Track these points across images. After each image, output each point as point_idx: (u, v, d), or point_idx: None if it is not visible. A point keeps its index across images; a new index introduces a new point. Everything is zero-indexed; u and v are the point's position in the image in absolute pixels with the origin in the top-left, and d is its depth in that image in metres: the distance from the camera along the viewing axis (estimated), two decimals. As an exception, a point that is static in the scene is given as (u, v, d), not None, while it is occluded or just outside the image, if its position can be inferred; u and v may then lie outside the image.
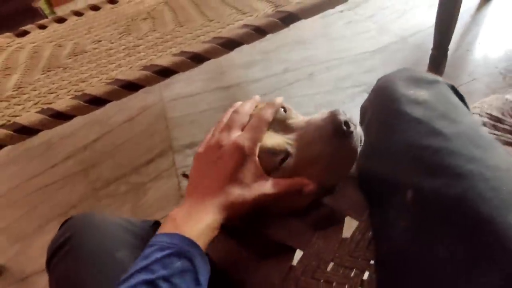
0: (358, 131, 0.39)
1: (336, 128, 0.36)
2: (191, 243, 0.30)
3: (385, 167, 0.37)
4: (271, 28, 0.80)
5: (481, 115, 0.42)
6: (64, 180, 1.27)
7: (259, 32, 0.79)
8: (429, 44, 1.17)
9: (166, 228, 0.32)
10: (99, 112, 0.79)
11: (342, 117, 0.37)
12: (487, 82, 1.07)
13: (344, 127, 0.36)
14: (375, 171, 0.38)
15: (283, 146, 0.38)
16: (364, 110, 0.44)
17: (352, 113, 0.38)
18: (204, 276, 0.30)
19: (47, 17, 2.50)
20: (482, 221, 0.26)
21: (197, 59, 0.78)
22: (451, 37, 1.05)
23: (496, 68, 1.11)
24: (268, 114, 0.39)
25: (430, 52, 1.16)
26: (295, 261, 0.37)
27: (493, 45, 1.22)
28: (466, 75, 1.12)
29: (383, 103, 0.40)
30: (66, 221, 0.41)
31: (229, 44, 0.78)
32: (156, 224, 0.44)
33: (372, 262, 0.36)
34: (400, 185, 0.34)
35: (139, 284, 0.27)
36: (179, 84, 1.50)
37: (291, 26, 0.81)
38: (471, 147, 0.31)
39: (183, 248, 0.29)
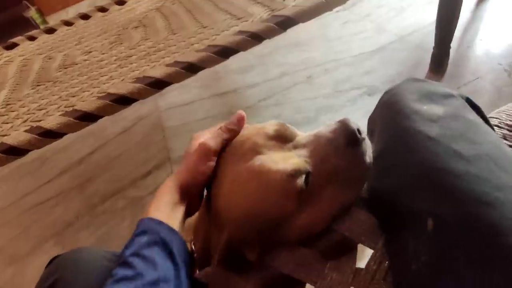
0: (368, 142, 0.37)
1: (349, 138, 0.35)
2: (151, 219, 0.34)
3: (400, 190, 0.33)
4: (268, 33, 0.77)
5: (500, 127, 0.39)
6: (59, 197, 1.23)
7: (256, 38, 0.76)
8: (429, 42, 1.14)
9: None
10: (93, 124, 0.76)
11: (353, 125, 0.35)
12: (492, 79, 1.04)
13: (358, 135, 0.35)
14: (389, 194, 0.35)
15: (302, 165, 0.35)
16: (372, 125, 0.40)
17: (354, 117, 0.36)
18: (172, 239, 0.34)
19: (39, 26, 2.47)
20: None
21: (192, 69, 0.74)
22: (453, 34, 1.02)
23: (500, 65, 1.08)
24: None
25: (430, 50, 1.13)
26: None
27: (495, 40, 1.19)
28: (469, 74, 1.09)
29: (394, 120, 0.36)
30: (53, 259, 0.38)
31: (225, 52, 0.75)
32: None
33: (391, 295, 0.32)
34: (418, 212, 0.31)
35: (116, 270, 0.30)
36: (174, 92, 1.47)
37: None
38: (496, 170, 0.28)
39: (148, 226, 0.33)
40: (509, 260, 0.24)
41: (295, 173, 0.34)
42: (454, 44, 1.10)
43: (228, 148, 0.39)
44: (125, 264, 0.30)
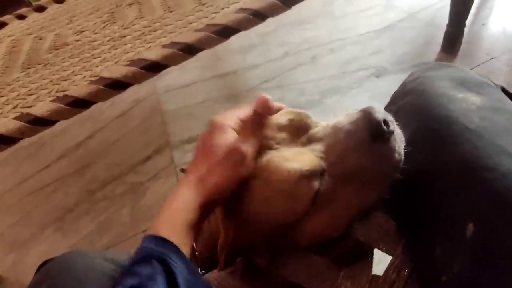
0: (398, 133, 0.31)
1: (374, 131, 0.30)
2: (162, 241, 0.28)
3: (430, 188, 0.30)
4: (271, 11, 0.71)
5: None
6: (58, 182, 1.21)
7: (258, 16, 0.70)
8: (440, 20, 1.08)
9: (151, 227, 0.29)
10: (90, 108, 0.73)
11: (379, 115, 0.30)
12: (508, 60, 0.98)
13: (385, 127, 0.29)
14: (415, 194, 0.31)
15: (317, 163, 0.31)
16: (395, 115, 0.36)
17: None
18: (181, 271, 0.27)
19: (30, 3, 2.36)
20: None
21: (190, 50, 0.69)
22: (469, 10, 0.95)
23: (516, 44, 1.02)
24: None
25: (442, 28, 1.07)
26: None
27: (511, 17, 1.11)
28: (484, 53, 1.03)
29: (425, 110, 0.32)
30: (43, 264, 0.35)
31: (225, 32, 0.70)
32: None
33: (411, 308, 0.29)
34: (453, 214, 0.27)
35: None
36: (173, 73, 1.41)
37: (291, 6, 0.72)
38: None
39: (152, 249, 0.27)
40: None
41: (309, 174, 0.30)
42: (468, 21, 1.03)
43: None
44: None
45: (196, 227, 0.30)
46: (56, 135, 1.37)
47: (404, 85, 0.37)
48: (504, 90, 0.33)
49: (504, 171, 0.25)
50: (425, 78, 0.35)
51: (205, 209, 0.30)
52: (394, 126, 0.31)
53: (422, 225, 0.30)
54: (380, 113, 0.30)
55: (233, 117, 0.33)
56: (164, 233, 0.28)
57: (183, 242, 0.28)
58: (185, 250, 0.28)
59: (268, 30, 1.44)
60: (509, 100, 0.32)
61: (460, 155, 0.28)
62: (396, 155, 0.31)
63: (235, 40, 1.45)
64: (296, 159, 0.30)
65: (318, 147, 0.32)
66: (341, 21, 1.40)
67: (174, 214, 0.29)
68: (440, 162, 0.29)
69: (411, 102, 0.34)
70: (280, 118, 0.34)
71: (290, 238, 0.32)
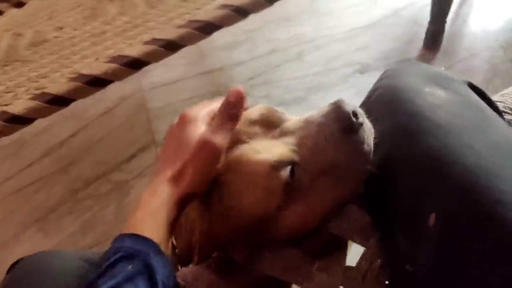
0: (367, 125, 0.32)
1: (343, 123, 0.30)
2: (141, 239, 0.27)
3: (399, 182, 0.30)
4: (253, 7, 0.71)
5: (505, 111, 0.36)
6: (41, 181, 1.18)
7: (240, 12, 0.70)
8: (424, 17, 1.10)
9: (124, 227, 0.28)
10: (73, 105, 0.71)
11: (348, 108, 0.30)
12: (487, 57, 1.01)
13: (354, 119, 0.30)
14: (385, 186, 0.32)
15: (288, 154, 0.31)
16: (367, 113, 0.37)
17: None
18: (162, 270, 0.26)
19: None
20: None
21: (171, 47, 0.69)
22: (450, 9, 0.97)
23: (496, 41, 1.04)
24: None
25: (424, 26, 1.09)
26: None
27: (491, 15, 1.14)
28: (464, 50, 1.05)
29: (393, 104, 0.33)
30: (15, 263, 0.34)
31: (207, 28, 0.69)
32: None
33: (383, 297, 0.30)
34: (419, 207, 0.28)
35: None
36: (158, 70, 1.39)
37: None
38: (509, 165, 0.25)
39: (130, 248, 0.26)
40: None
41: (278, 164, 0.30)
42: (449, 19, 1.05)
43: None
44: None
45: (174, 224, 0.30)
46: (38, 133, 1.34)
47: (377, 81, 0.38)
48: (471, 85, 0.34)
49: (468, 166, 0.26)
50: (394, 74, 0.35)
51: (182, 204, 0.30)
52: (364, 119, 0.31)
53: (391, 218, 0.31)
54: (350, 106, 0.30)
55: (204, 110, 0.32)
56: (145, 231, 0.27)
57: (163, 240, 0.28)
58: (165, 248, 0.28)
59: (254, 27, 1.44)
60: (474, 95, 0.33)
61: (427, 151, 0.28)
62: (366, 146, 0.31)
63: (221, 37, 1.46)
64: (267, 151, 0.31)
65: (290, 140, 0.32)
66: (327, 18, 1.40)
67: (154, 212, 0.29)
68: (409, 157, 0.30)
69: (381, 97, 0.35)
70: (252, 113, 0.34)
71: (267, 232, 0.32)
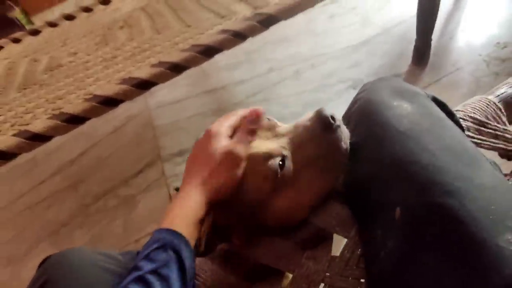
0: (344, 129, 0.40)
1: (323, 124, 0.37)
2: (175, 233, 0.32)
3: (373, 181, 0.36)
4: (250, 32, 0.78)
5: (464, 119, 0.41)
6: (52, 197, 1.24)
7: (239, 36, 0.77)
8: (412, 34, 1.16)
9: (161, 223, 0.34)
10: (83, 125, 0.77)
11: (327, 112, 0.38)
12: (471, 70, 1.07)
13: (332, 121, 0.37)
14: (362, 185, 0.37)
15: (278, 149, 0.38)
16: (346, 121, 0.43)
17: (339, 110, 0.39)
18: (189, 261, 0.32)
19: (24, 27, 2.43)
20: (474, 243, 0.25)
21: (176, 69, 0.75)
22: (434, 26, 1.04)
23: (479, 56, 1.10)
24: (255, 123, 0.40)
25: (413, 43, 1.15)
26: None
27: (475, 31, 1.21)
28: (450, 65, 1.11)
29: (368, 115, 0.39)
30: (44, 260, 0.39)
31: (209, 52, 0.76)
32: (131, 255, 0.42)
33: (363, 280, 0.35)
34: (388, 202, 0.33)
35: (130, 283, 0.29)
36: (164, 90, 1.47)
37: (273, 23, 0.79)
38: (457, 163, 0.30)
39: (167, 240, 0.31)
40: (467, 248, 0.26)
41: (268, 156, 0.37)
42: (436, 35, 1.12)
43: None
44: (143, 280, 0.29)
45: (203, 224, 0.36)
46: (50, 152, 1.41)
47: (356, 94, 0.44)
48: (434, 98, 0.39)
49: (424, 164, 0.31)
50: (370, 88, 0.41)
51: (210, 206, 0.36)
52: (341, 123, 0.39)
53: (366, 213, 0.36)
54: (329, 112, 0.38)
55: (225, 125, 0.39)
56: (177, 226, 0.33)
57: (191, 236, 0.33)
58: (192, 243, 0.33)
59: (254, 48, 1.53)
60: (435, 107, 0.38)
61: (393, 153, 0.34)
62: (343, 144, 0.38)
63: (223, 58, 1.54)
64: (262, 146, 0.38)
65: (282, 140, 0.39)
66: (322, 38, 1.48)
67: (186, 211, 0.34)
68: (379, 160, 0.35)
69: (357, 109, 0.41)
70: None
71: (262, 216, 0.38)
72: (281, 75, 1.36)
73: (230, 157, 0.36)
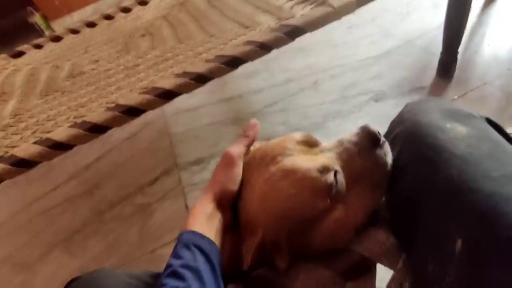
0: (387, 144, 0.39)
1: (372, 139, 0.38)
2: (199, 235, 0.35)
3: (426, 209, 0.33)
4: (276, 43, 0.77)
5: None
6: (67, 203, 1.24)
7: (264, 48, 0.76)
8: (436, 46, 1.14)
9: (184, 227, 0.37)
10: None
11: (375, 129, 0.38)
12: (500, 85, 1.03)
13: (380, 136, 0.38)
14: (412, 213, 0.35)
15: (330, 163, 0.37)
16: (390, 142, 0.40)
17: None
18: (215, 259, 0.34)
19: (43, 32, 2.48)
20: None
21: (201, 79, 0.75)
22: (461, 38, 1.01)
23: (508, 70, 1.07)
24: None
25: (437, 55, 1.13)
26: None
27: (502, 45, 1.18)
28: (477, 79, 1.08)
29: (418, 137, 0.36)
30: (70, 282, 0.38)
31: (234, 62, 0.75)
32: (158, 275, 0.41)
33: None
34: (444, 232, 0.30)
35: (165, 278, 0.31)
36: (180, 97, 1.45)
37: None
38: None
39: (191, 240, 0.34)
40: None
41: (324, 169, 0.36)
42: (461, 48, 1.09)
43: (256, 155, 0.41)
44: (176, 274, 0.32)
45: (217, 217, 0.38)
46: (65, 157, 1.39)
47: (399, 115, 0.41)
48: (488, 120, 0.37)
49: (488, 192, 0.28)
50: (418, 109, 0.39)
51: (218, 201, 0.39)
52: (384, 140, 0.39)
53: (416, 242, 0.33)
54: (375, 128, 0.38)
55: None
56: (191, 224, 0.36)
57: (206, 228, 0.36)
58: (210, 234, 0.36)
59: (271, 57, 1.49)
60: (492, 130, 0.35)
61: (449, 179, 0.31)
62: (388, 159, 0.38)
63: (240, 67, 1.53)
64: (313, 160, 0.37)
65: (329, 154, 0.39)
66: (341, 49, 1.47)
67: (195, 211, 0.38)
68: (431, 185, 0.33)
69: (405, 131, 0.38)
70: (296, 135, 0.41)
71: (311, 235, 0.36)
72: (300, 85, 1.34)
73: (225, 157, 0.41)
